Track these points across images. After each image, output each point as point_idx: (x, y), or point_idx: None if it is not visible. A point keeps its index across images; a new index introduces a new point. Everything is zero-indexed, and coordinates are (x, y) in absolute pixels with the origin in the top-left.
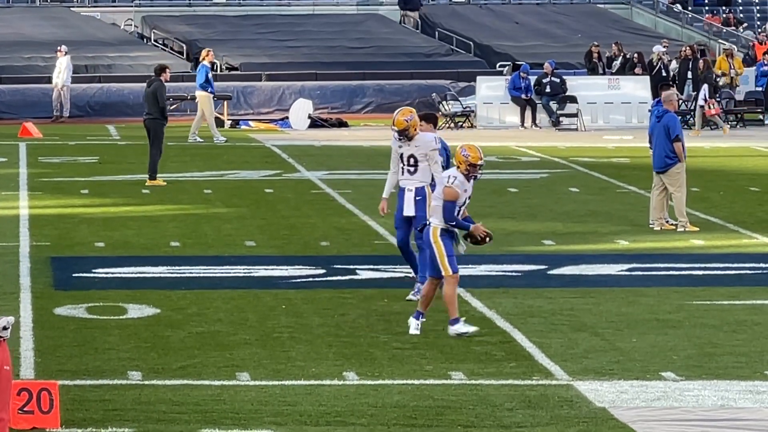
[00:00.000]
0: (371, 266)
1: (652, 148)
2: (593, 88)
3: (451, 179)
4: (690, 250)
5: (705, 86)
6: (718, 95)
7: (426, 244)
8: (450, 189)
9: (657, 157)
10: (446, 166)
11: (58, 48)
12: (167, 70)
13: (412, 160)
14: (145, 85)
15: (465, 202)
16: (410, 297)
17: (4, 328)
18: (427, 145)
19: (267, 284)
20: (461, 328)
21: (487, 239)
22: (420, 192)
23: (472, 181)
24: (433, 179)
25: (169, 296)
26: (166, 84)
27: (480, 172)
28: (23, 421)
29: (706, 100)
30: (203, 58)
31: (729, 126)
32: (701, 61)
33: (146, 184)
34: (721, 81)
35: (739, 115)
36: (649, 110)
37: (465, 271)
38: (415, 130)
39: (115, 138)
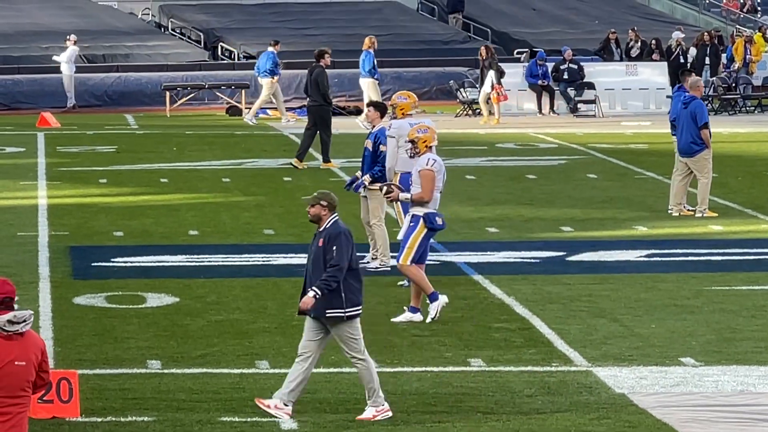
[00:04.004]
0: (390, 254)
1: (677, 134)
2: (611, 75)
3: None
4: (708, 236)
5: (491, 72)
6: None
7: None
8: None
9: (683, 143)
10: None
11: (67, 37)
12: (326, 55)
13: None
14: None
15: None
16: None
17: (10, 322)
18: None
19: (286, 272)
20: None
21: None
22: None
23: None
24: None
25: (188, 285)
26: (327, 70)
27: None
28: (43, 410)
29: (492, 87)
30: (368, 46)
31: (749, 111)
32: (483, 48)
33: (320, 167)
34: (736, 65)
35: (757, 101)
36: (668, 96)
37: (484, 257)
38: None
39: (133, 127)
